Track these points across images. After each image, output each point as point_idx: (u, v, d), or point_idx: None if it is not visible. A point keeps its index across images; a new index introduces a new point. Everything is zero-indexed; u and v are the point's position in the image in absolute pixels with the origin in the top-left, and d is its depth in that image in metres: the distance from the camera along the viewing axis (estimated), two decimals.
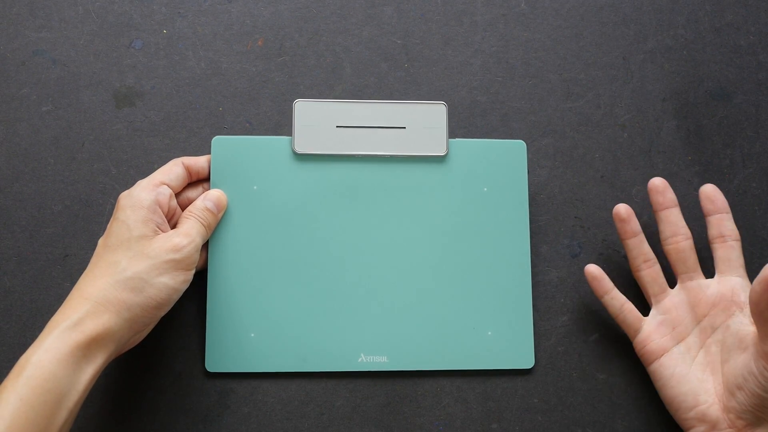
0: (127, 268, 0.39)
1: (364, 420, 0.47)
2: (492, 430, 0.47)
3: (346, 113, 0.48)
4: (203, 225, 0.44)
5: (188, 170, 0.45)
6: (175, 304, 0.42)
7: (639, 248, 0.46)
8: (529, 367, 0.47)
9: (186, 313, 0.47)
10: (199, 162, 0.46)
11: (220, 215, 0.46)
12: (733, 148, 0.54)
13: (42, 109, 0.49)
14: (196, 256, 0.42)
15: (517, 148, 0.50)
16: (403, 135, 0.48)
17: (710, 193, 0.46)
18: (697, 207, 0.53)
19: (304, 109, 0.48)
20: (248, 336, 0.46)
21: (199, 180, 0.47)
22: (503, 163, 0.49)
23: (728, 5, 0.57)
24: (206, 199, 0.45)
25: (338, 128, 0.48)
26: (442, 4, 0.55)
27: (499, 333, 0.47)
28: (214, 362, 0.45)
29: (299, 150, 0.47)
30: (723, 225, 0.46)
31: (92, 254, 0.41)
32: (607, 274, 0.47)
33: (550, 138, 0.53)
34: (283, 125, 0.50)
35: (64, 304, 0.39)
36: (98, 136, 0.49)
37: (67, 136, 0.49)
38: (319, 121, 0.48)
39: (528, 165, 0.52)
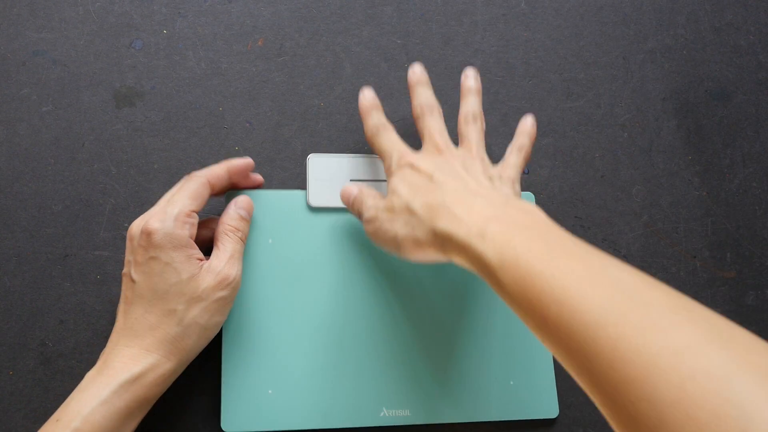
0: (185, 316, 0.39)
1: None
2: None
3: (358, 167, 0.48)
4: (242, 240, 0.43)
5: (212, 189, 0.43)
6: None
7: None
8: (554, 416, 0.46)
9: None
10: (221, 180, 0.44)
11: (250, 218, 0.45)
12: (733, 148, 0.54)
13: (42, 109, 0.49)
14: (239, 284, 0.41)
15: (527, 199, 0.49)
16: None
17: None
18: (698, 207, 0.53)
19: (318, 164, 0.48)
20: (266, 393, 0.44)
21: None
22: None
23: (728, 5, 0.57)
24: (238, 207, 0.43)
25: (351, 182, 0.48)
26: (442, 4, 0.55)
27: (521, 382, 0.46)
28: (231, 422, 0.43)
29: (313, 203, 0.47)
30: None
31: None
32: None
33: (550, 138, 0.53)
34: (283, 125, 0.50)
35: (118, 350, 0.38)
36: (98, 136, 0.49)
37: (67, 136, 0.49)
38: (332, 175, 0.48)
39: (528, 165, 0.52)
